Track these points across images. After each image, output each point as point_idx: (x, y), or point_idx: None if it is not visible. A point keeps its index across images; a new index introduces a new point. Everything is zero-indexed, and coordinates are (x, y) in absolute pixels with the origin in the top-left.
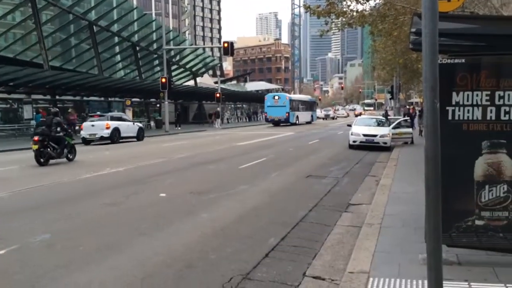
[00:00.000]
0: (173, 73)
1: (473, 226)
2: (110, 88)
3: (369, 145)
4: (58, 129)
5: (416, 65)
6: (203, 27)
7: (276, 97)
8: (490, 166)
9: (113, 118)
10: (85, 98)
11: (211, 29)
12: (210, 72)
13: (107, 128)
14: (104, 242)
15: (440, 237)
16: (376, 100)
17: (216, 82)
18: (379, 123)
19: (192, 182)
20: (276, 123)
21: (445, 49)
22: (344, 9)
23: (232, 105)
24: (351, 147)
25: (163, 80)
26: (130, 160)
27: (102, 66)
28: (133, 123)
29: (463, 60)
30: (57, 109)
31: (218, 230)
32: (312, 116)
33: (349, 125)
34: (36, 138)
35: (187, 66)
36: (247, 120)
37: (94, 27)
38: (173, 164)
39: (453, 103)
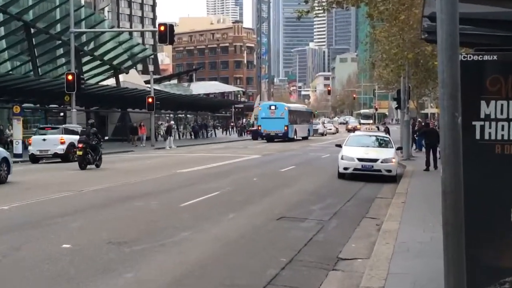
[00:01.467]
0: (85, 68)
1: None
2: None
3: (366, 174)
4: (95, 138)
5: (431, 62)
6: (130, 2)
7: (273, 107)
8: None
9: (68, 131)
10: None
11: (142, 4)
12: (140, 67)
13: (62, 143)
14: None
15: None
16: (376, 109)
17: (148, 82)
18: (381, 143)
19: (111, 227)
20: (271, 138)
21: (470, 40)
22: None
23: (171, 115)
24: (342, 176)
25: (70, 77)
26: (24, 193)
27: None
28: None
29: (495, 57)
30: (93, 120)
31: None
32: (308, 130)
33: (338, 145)
34: (80, 145)
35: (106, 58)
36: (192, 137)
37: None
38: (84, 199)
39: (482, 116)
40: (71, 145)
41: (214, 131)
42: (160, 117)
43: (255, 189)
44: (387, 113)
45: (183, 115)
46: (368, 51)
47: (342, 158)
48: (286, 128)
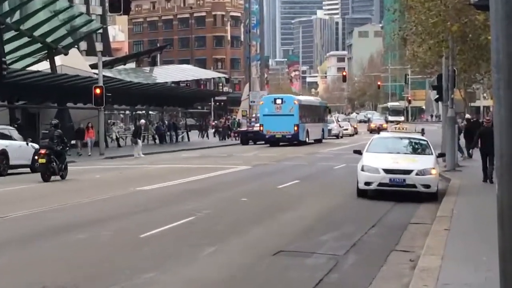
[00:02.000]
0: (8, 47)
1: None
2: None
3: (396, 191)
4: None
5: (484, 37)
6: None
7: (279, 101)
8: None
9: None
10: None
11: None
12: (84, 46)
13: None
14: None
15: None
16: (409, 102)
17: (95, 66)
18: (416, 148)
19: (43, 267)
20: (275, 141)
21: None
22: None
23: (126, 112)
24: (362, 193)
25: None
26: None
27: None
28: (27, 144)
29: None
30: (57, 120)
31: None
32: (323, 130)
33: (358, 152)
34: (43, 151)
35: (37, 34)
36: (157, 141)
37: None
38: (5, 228)
39: None
40: (3, 154)
41: (187, 133)
42: (112, 115)
43: (243, 213)
44: (423, 107)
45: (144, 111)
46: (398, 22)
47: (362, 170)
48: (296, 128)
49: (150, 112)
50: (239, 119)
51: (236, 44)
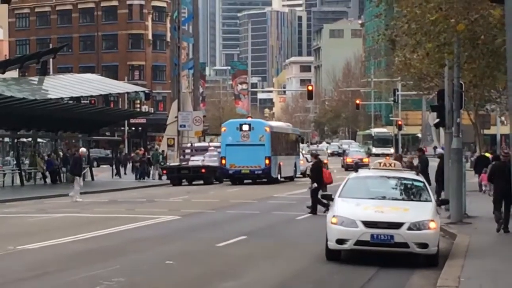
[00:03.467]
0: None
1: None
2: None
3: (381, 252)
4: None
5: (501, 39)
6: None
7: (246, 128)
8: None
9: None
10: None
11: None
12: None
13: None
14: None
15: None
16: (400, 127)
17: None
18: (408, 192)
19: None
20: (240, 178)
21: None
22: None
23: (5, 139)
24: (334, 255)
25: None
26: None
27: None
28: None
29: None
30: None
31: None
32: (295, 165)
33: (326, 197)
34: None
35: None
36: (48, 180)
37: None
38: None
39: None
40: None
41: (90, 169)
42: None
43: (169, 282)
44: (419, 135)
45: (30, 139)
46: (384, 17)
47: (334, 222)
48: (267, 161)
49: (39, 140)
50: (162, 150)
51: (160, 45)
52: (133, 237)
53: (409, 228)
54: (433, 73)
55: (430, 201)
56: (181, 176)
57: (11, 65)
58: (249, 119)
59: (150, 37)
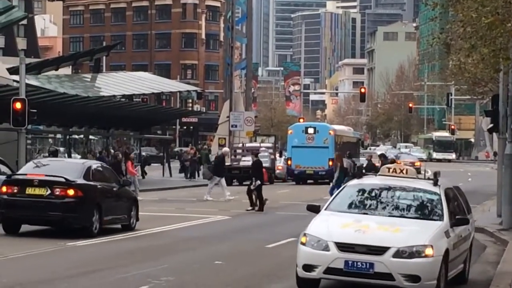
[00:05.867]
0: None
1: None
2: None
3: (358, 283)
4: None
5: None
6: None
7: (311, 131)
8: None
9: None
10: None
11: None
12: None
13: None
14: None
15: None
16: (453, 131)
17: (14, 71)
18: (413, 207)
19: None
20: (304, 178)
21: None
22: None
23: (57, 136)
24: (305, 285)
25: None
26: None
27: None
28: None
29: None
30: (55, 147)
31: None
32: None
33: (312, 208)
34: None
35: None
36: None
37: None
38: None
39: None
40: None
41: (141, 168)
42: (37, 139)
43: (218, 282)
44: (472, 140)
45: (82, 135)
46: (439, 21)
47: (303, 242)
48: (331, 163)
49: (91, 137)
50: (209, 149)
51: (213, 45)
52: (183, 236)
53: (396, 255)
54: (488, 78)
55: (440, 220)
56: (231, 176)
57: (64, 62)
58: (314, 122)
59: (203, 36)
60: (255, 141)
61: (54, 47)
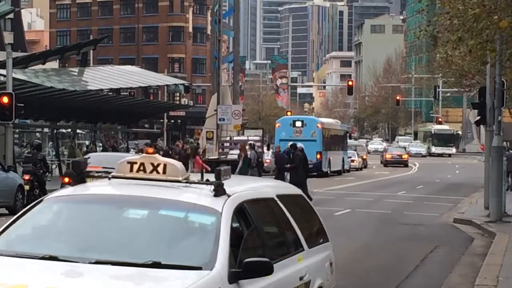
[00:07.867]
0: None
1: None
2: None
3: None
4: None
5: None
6: None
7: (299, 124)
8: None
9: None
10: None
11: None
12: None
13: None
14: None
15: None
16: (440, 124)
17: (1, 65)
18: (148, 242)
19: None
20: None
21: None
22: None
23: (45, 130)
24: None
25: None
26: None
27: None
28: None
29: None
30: (39, 141)
31: None
32: (343, 160)
33: None
34: (27, 177)
35: None
36: None
37: None
38: None
39: None
40: None
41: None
42: (24, 134)
43: None
44: (459, 132)
45: (69, 129)
46: (426, 13)
47: None
48: (319, 156)
49: (78, 131)
50: (197, 143)
51: (201, 38)
52: None
53: None
54: (475, 70)
55: (207, 268)
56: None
57: (51, 56)
58: (302, 116)
59: (190, 30)
60: (243, 134)
61: (41, 41)
